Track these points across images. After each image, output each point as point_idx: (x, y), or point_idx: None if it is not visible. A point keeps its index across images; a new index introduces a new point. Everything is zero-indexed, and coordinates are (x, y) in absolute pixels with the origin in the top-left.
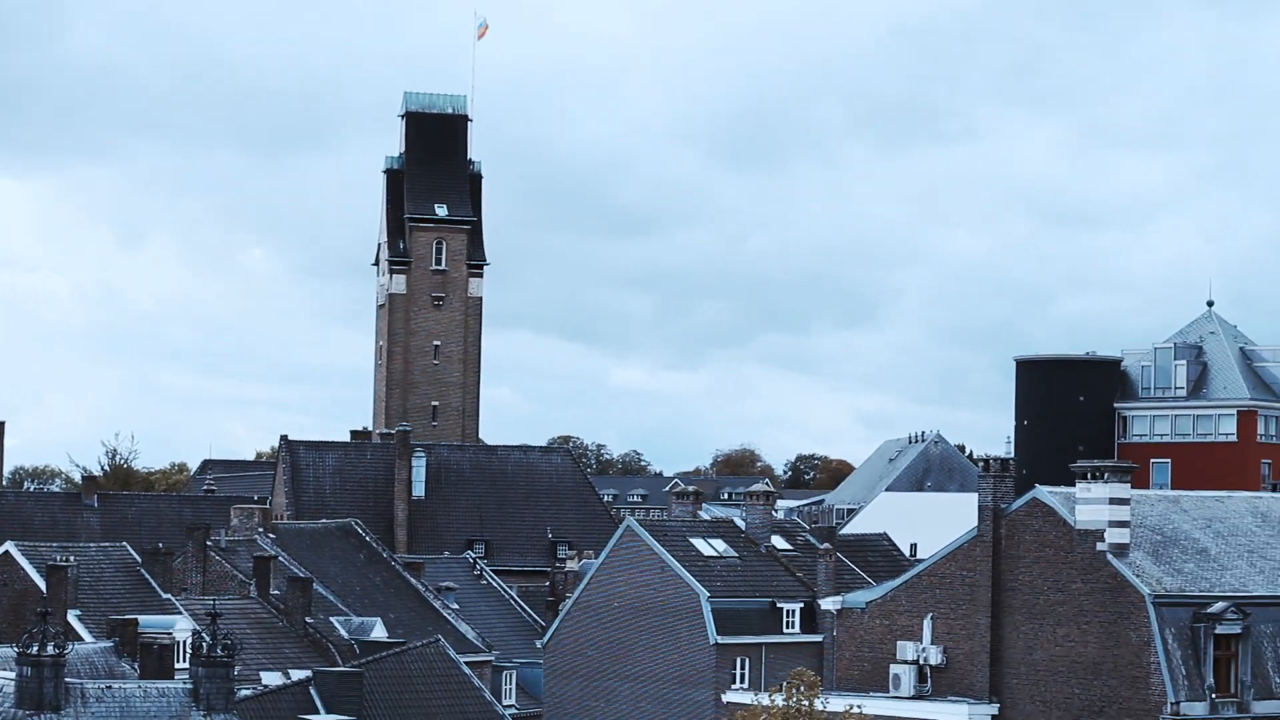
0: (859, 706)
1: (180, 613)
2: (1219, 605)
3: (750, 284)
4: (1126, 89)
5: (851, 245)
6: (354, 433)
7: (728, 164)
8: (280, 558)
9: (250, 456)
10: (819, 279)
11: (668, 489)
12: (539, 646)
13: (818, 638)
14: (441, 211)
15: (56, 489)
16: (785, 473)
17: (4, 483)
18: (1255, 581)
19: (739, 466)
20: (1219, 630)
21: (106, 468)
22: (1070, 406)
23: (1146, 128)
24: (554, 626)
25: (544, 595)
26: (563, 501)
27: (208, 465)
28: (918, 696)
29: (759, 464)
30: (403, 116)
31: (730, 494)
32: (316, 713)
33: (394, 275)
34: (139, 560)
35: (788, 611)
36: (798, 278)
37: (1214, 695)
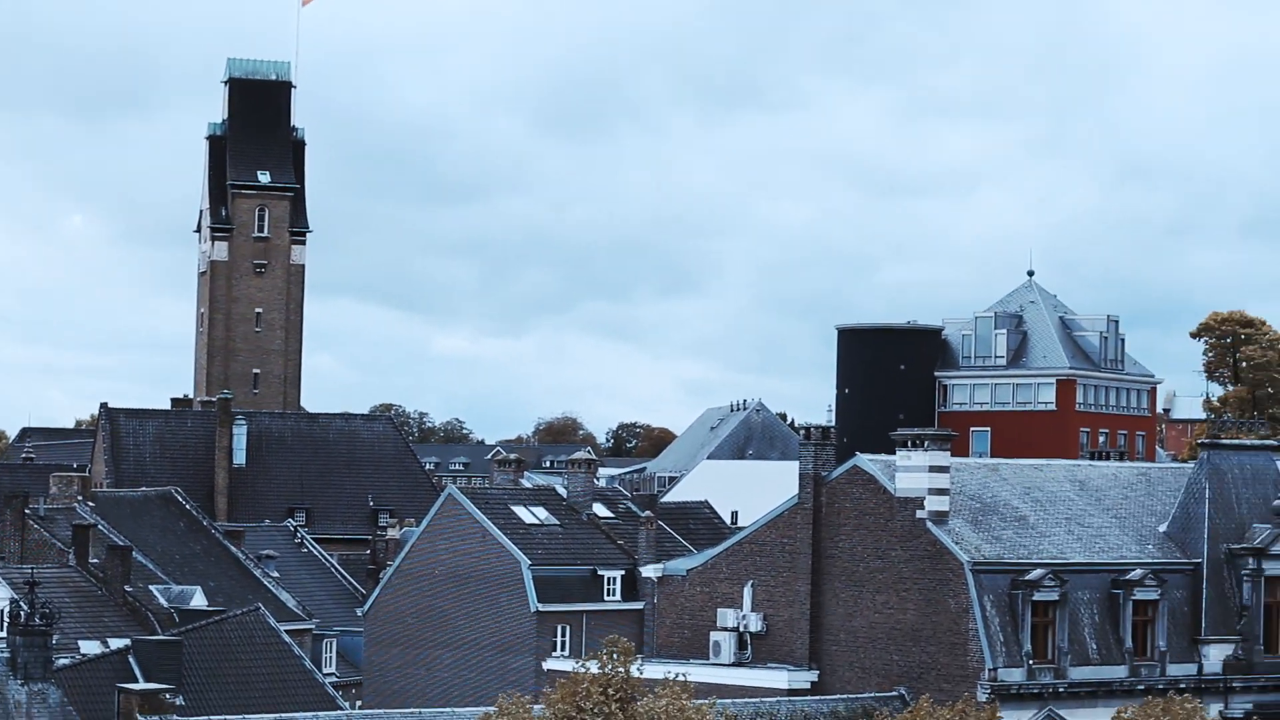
0: (680, 674)
1: None
2: (1037, 572)
3: (573, 252)
4: (951, 59)
5: (675, 214)
6: (175, 400)
7: (551, 132)
8: (99, 526)
9: (70, 424)
10: (642, 247)
11: (489, 457)
12: (360, 614)
13: (639, 605)
14: (264, 178)
15: None
16: (607, 441)
17: None
18: (1073, 549)
19: (561, 434)
20: (1037, 597)
21: None
22: (891, 375)
23: (970, 98)
24: (375, 594)
25: (365, 563)
26: (384, 469)
27: (27, 433)
28: (738, 663)
29: (581, 432)
30: (226, 83)
31: (552, 462)
32: (135, 681)
33: (216, 242)
34: None
35: (609, 579)
36: (621, 246)
37: (1031, 662)
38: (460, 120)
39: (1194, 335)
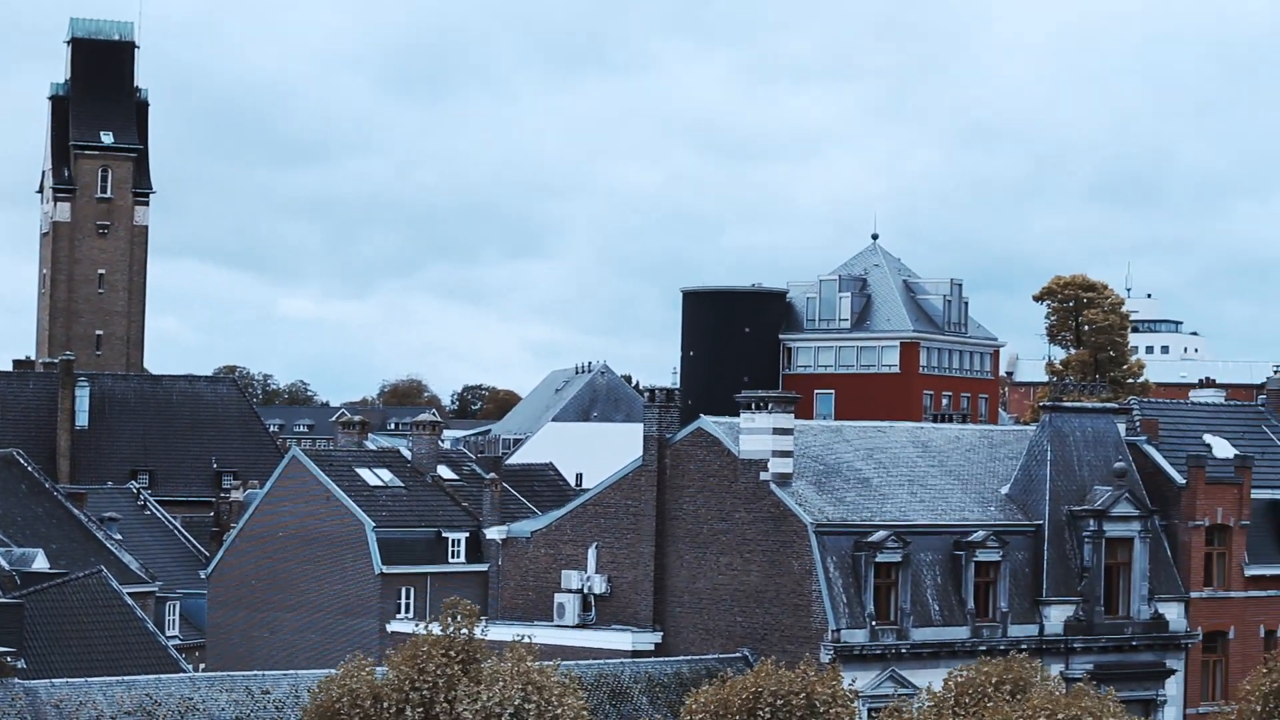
0: (524, 636)
1: None
2: (880, 534)
3: (419, 214)
4: (796, 23)
5: (521, 176)
6: (16, 362)
7: (397, 94)
8: None
9: None
10: (488, 210)
11: (334, 419)
12: (203, 577)
13: (483, 567)
14: (107, 139)
15: None
16: (452, 403)
17: None
18: (915, 511)
19: (406, 397)
20: (879, 559)
21: None
22: (736, 338)
23: (815, 61)
24: (218, 557)
25: (208, 525)
26: (228, 431)
27: None
28: (582, 625)
29: (426, 394)
30: (68, 43)
31: (397, 424)
32: None
33: (58, 203)
34: None
35: (453, 541)
36: (467, 208)
37: (874, 623)
38: (305, 81)
39: (1036, 299)
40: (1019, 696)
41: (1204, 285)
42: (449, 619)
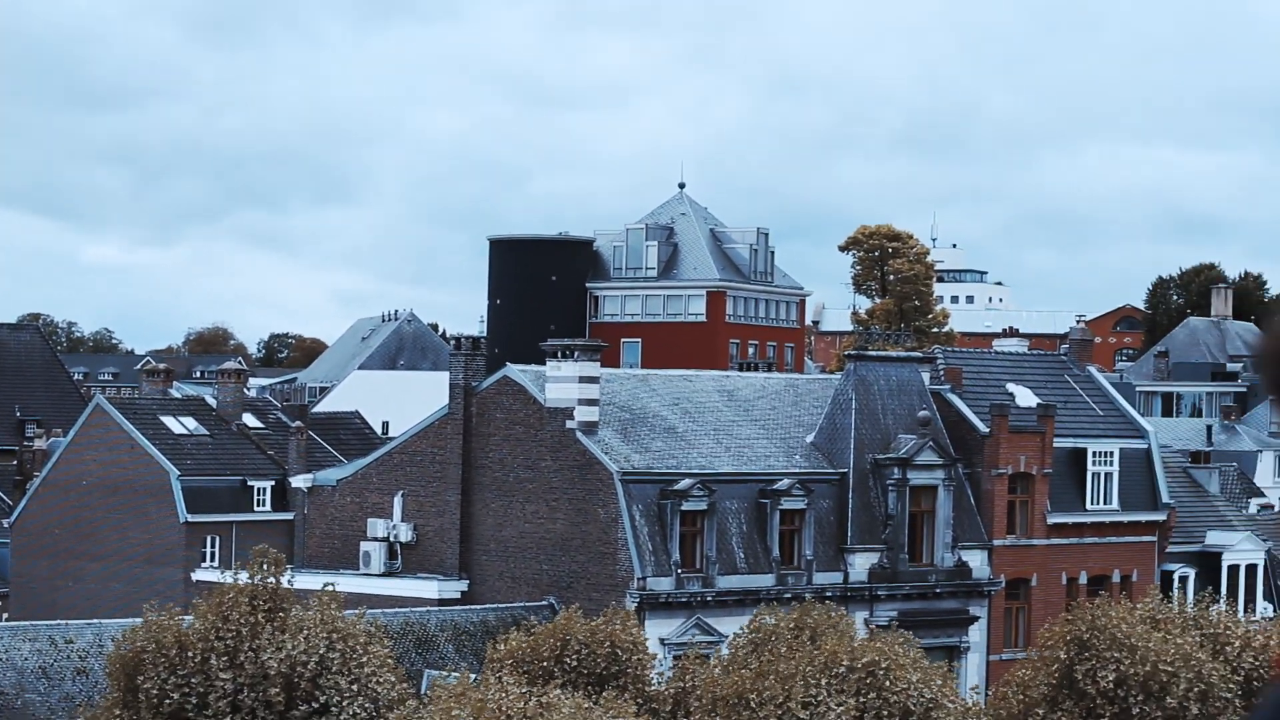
0: (330, 584)
1: None
2: (685, 482)
3: (226, 161)
4: None
5: (329, 123)
6: None
7: (203, 39)
8: None
9: None
10: (296, 157)
11: (139, 367)
12: (6, 526)
13: (289, 516)
14: None
15: None
16: (259, 351)
17: None
18: (721, 459)
19: (212, 345)
20: (685, 507)
21: None
22: (543, 286)
23: (625, 9)
24: (21, 506)
25: (11, 474)
26: (31, 379)
27: None
28: (388, 573)
29: (232, 342)
30: None
31: (203, 372)
32: None
33: None
34: None
35: (259, 489)
36: (274, 155)
37: (680, 571)
38: (110, 25)
39: (842, 248)
40: (818, 643)
41: (1009, 236)
42: (257, 567)
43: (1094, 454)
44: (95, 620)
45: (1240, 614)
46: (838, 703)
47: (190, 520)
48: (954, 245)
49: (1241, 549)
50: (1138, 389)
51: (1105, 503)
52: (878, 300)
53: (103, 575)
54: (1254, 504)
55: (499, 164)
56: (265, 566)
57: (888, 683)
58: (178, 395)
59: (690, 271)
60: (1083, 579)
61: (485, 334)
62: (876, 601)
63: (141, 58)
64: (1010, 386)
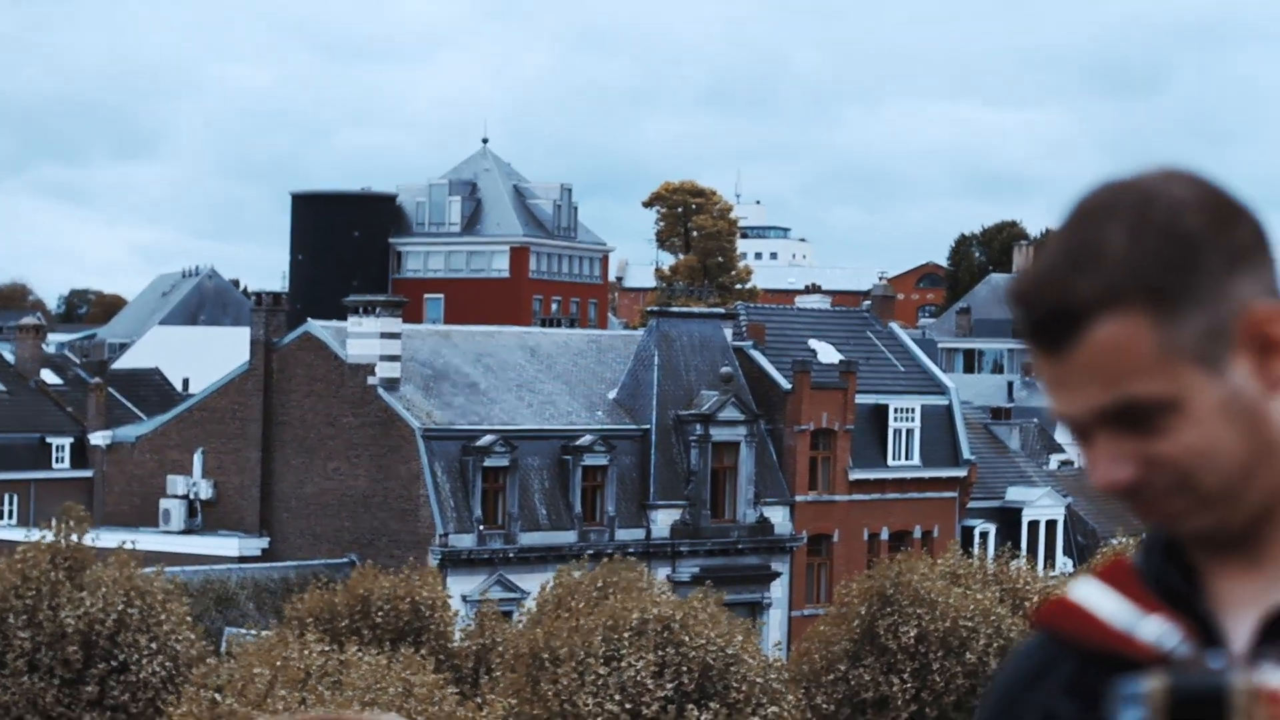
0: (129, 542)
1: None
2: (487, 439)
3: (24, 113)
4: None
5: (130, 75)
6: None
7: None
8: None
9: None
10: (96, 109)
11: None
12: None
13: (88, 473)
14: None
15: None
16: (59, 307)
17: None
18: (524, 415)
19: (10, 300)
20: (487, 463)
21: None
22: (345, 242)
23: None
24: None
25: None
26: None
27: None
28: (188, 531)
29: (31, 298)
30: None
31: (0, 328)
32: None
33: None
34: None
35: (57, 446)
36: (74, 107)
37: (482, 527)
38: None
39: (646, 205)
40: (619, 598)
41: (813, 193)
42: (62, 525)
43: (895, 410)
44: None
45: (1040, 569)
46: (637, 658)
47: None
48: (758, 202)
49: (1041, 505)
50: (940, 345)
51: (906, 459)
52: (681, 257)
53: None
54: (1054, 460)
55: (302, 118)
56: (69, 524)
57: (686, 638)
58: None
59: (493, 227)
60: (884, 535)
61: (287, 290)
62: (679, 558)
63: None
64: (812, 343)
